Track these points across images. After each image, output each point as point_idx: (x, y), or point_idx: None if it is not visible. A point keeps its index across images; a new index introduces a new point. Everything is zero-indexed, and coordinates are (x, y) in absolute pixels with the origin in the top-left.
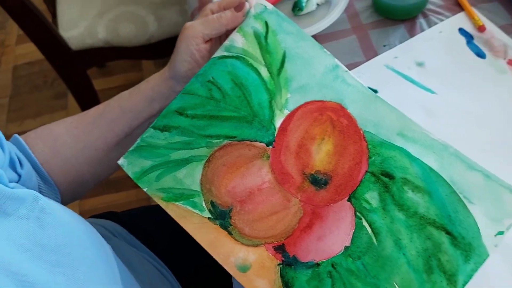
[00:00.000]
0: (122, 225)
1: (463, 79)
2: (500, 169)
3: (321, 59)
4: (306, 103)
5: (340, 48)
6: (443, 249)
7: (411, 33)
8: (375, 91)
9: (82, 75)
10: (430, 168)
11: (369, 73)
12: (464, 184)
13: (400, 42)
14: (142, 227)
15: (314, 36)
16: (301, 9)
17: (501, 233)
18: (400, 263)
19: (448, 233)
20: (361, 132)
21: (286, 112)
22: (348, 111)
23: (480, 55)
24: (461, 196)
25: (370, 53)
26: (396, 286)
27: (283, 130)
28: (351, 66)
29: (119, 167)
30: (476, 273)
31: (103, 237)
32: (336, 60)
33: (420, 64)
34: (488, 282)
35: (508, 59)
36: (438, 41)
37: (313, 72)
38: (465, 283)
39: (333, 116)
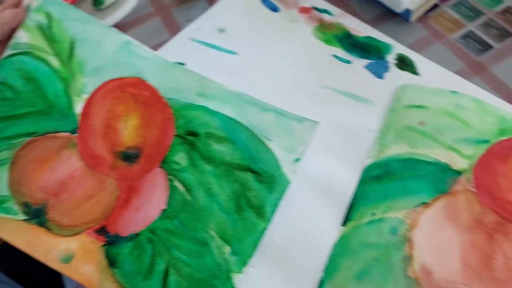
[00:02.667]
0: None
1: (260, 35)
2: (299, 108)
3: (110, 38)
4: (105, 84)
5: (146, 31)
6: (249, 187)
7: (211, 3)
8: (182, 65)
9: None
10: (229, 118)
11: (176, 48)
12: (261, 125)
13: (202, 14)
14: None
15: (118, 26)
16: (102, 2)
17: (297, 159)
18: (214, 210)
19: (253, 172)
20: (164, 100)
21: (85, 96)
22: (149, 83)
23: (274, 9)
24: (260, 136)
25: (174, 30)
26: (212, 232)
27: (86, 114)
28: (157, 46)
29: None
30: (282, 201)
31: None
32: (126, 36)
33: (221, 31)
34: (297, 207)
35: (299, 8)
36: (236, 5)
37: (105, 53)
38: (273, 211)
39: (134, 91)
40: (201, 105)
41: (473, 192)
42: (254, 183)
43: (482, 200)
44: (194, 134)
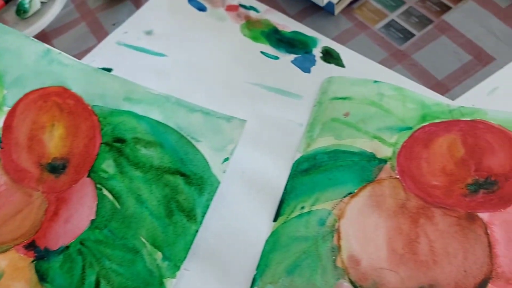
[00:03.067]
0: None
1: (188, 35)
2: (230, 106)
3: (30, 47)
4: (27, 94)
5: (72, 38)
6: (179, 190)
7: (138, 6)
8: (110, 70)
9: None
10: (157, 121)
11: (102, 54)
12: (189, 126)
13: (129, 17)
14: None
15: (44, 34)
16: (26, 11)
17: (226, 159)
18: (144, 217)
19: (182, 174)
20: (90, 108)
21: (7, 109)
22: (73, 91)
23: (201, 8)
24: (188, 138)
25: (102, 35)
26: (143, 239)
27: (8, 128)
28: (85, 52)
29: None
30: (213, 201)
31: None
32: (45, 45)
33: (148, 33)
34: (228, 206)
35: (226, 6)
36: (162, 6)
37: (25, 62)
38: (204, 213)
39: (58, 100)
40: (127, 110)
41: (397, 178)
42: (184, 186)
43: (406, 186)
44: (121, 140)
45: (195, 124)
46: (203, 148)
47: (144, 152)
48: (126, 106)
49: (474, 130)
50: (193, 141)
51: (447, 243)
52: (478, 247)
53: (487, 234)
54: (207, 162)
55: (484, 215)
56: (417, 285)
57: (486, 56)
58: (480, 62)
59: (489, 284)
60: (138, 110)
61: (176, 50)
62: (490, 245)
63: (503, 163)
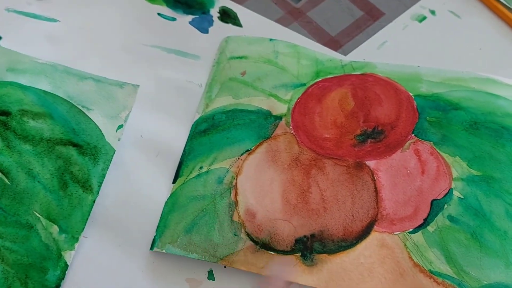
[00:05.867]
0: None
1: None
2: (127, 71)
3: None
4: None
5: None
6: (73, 162)
7: None
8: None
9: None
10: (45, 92)
11: None
12: (79, 95)
13: None
14: None
15: None
16: None
17: (120, 126)
18: (37, 191)
19: (75, 145)
20: None
21: None
22: None
23: None
24: (79, 107)
25: None
26: (37, 214)
27: None
28: None
29: None
30: (109, 169)
31: None
32: None
33: None
34: (127, 172)
35: None
36: None
37: None
38: (100, 183)
39: None
40: (11, 82)
41: (292, 134)
42: (77, 156)
43: (299, 140)
44: (6, 113)
45: (86, 92)
46: (96, 116)
47: (33, 124)
48: (9, 77)
49: (364, 83)
50: (84, 110)
51: (337, 191)
52: (365, 193)
53: (373, 180)
54: (100, 131)
55: (371, 163)
56: (309, 232)
57: (377, 11)
58: (371, 18)
59: (375, 226)
60: (24, 81)
61: (69, 15)
62: (376, 190)
63: (389, 113)
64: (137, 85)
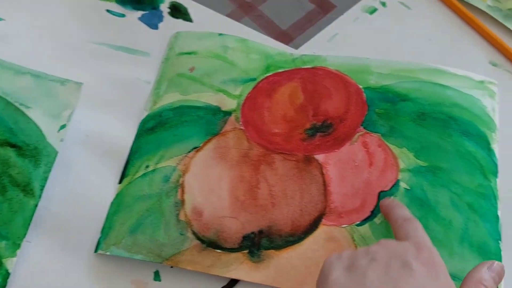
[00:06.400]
0: None
1: None
2: (74, 69)
3: None
4: None
5: None
6: (11, 164)
7: None
8: None
9: None
10: None
11: None
12: (16, 91)
13: None
14: None
15: None
16: None
17: (63, 126)
18: None
19: (13, 146)
20: None
21: None
22: None
23: None
24: (17, 104)
25: None
26: None
27: None
28: None
29: None
30: (52, 172)
31: None
32: None
33: None
34: (72, 173)
35: None
36: None
37: None
38: (42, 186)
39: None
40: None
41: (242, 129)
42: (16, 158)
43: (249, 136)
44: None
45: (24, 88)
46: (36, 115)
47: None
48: None
49: (313, 76)
50: (22, 108)
51: (285, 186)
52: (314, 187)
53: (322, 174)
54: (41, 131)
55: (320, 157)
56: (257, 228)
57: (328, 4)
58: (322, 10)
59: (323, 220)
60: None
61: (14, 13)
62: (324, 184)
63: (338, 106)
64: (80, 82)
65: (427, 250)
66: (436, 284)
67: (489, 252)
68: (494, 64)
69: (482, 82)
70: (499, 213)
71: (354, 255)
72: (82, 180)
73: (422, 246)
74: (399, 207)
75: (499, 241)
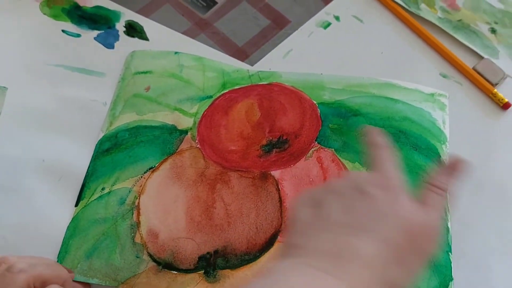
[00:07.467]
0: None
1: None
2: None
3: None
4: None
5: None
6: None
7: None
8: None
9: None
10: None
11: None
12: None
13: None
14: None
15: None
16: None
17: None
18: None
19: None
20: None
21: None
22: None
23: None
24: None
25: None
26: None
27: None
28: None
29: None
30: (9, 196)
31: None
32: None
33: None
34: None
35: None
36: None
37: None
38: None
39: None
40: None
41: (198, 148)
42: None
43: (205, 154)
44: None
45: None
46: None
47: None
48: None
49: (270, 93)
50: None
51: (241, 204)
52: (270, 203)
53: (278, 190)
54: None
55: (276, 173)
56: (212, 249)
57: (282, 19)
58: (277, 26)
59: (279, 237)
60: None
61: None
62: (280, 200)
63: (293, 122)
64: (4, 87)
65: (384, 175)
66: (395, 206)
67: (439, 264)
68: (444, 76)
69: (432, 94)
70: (449, 224)
71: (316, 193)
72: (38, 206)
73: (381, 172)
74: (376, 135)
75: (450, 253)
